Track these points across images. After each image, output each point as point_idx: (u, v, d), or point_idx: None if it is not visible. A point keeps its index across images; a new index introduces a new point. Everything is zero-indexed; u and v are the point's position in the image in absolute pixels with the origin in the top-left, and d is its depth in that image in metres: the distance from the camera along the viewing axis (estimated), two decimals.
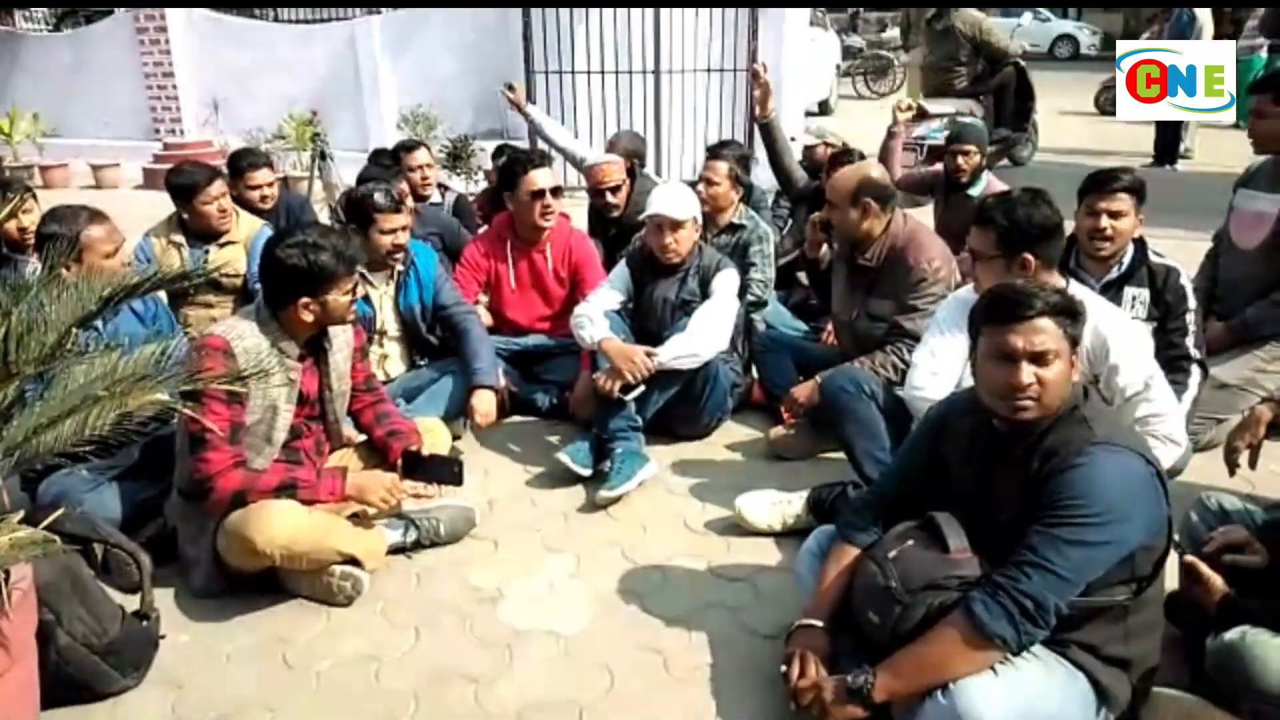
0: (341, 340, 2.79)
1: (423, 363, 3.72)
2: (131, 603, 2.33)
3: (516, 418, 3.83)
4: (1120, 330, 2.46)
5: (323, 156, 7.36)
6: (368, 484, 2.62)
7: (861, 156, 4.32)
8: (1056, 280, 2.49)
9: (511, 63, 8.44)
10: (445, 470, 2.73)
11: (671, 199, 3.41)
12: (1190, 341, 3.00)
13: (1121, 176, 3.00)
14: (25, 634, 1.89)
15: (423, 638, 2.47)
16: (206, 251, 3.99)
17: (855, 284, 3.48)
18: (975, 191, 4.59)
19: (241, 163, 4.52)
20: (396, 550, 2.82)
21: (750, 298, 3.98)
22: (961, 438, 2.10)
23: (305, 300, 2.53)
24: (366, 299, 3.53)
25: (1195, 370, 2.97)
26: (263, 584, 2.63)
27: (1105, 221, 2.99)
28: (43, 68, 11.30)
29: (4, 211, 3.05)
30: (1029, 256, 2.48)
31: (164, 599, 2.60)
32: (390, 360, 3.65)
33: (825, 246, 4.03)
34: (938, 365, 2.72)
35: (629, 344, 3.27)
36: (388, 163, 4.62)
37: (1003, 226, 2.49)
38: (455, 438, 3.57)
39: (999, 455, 1.99)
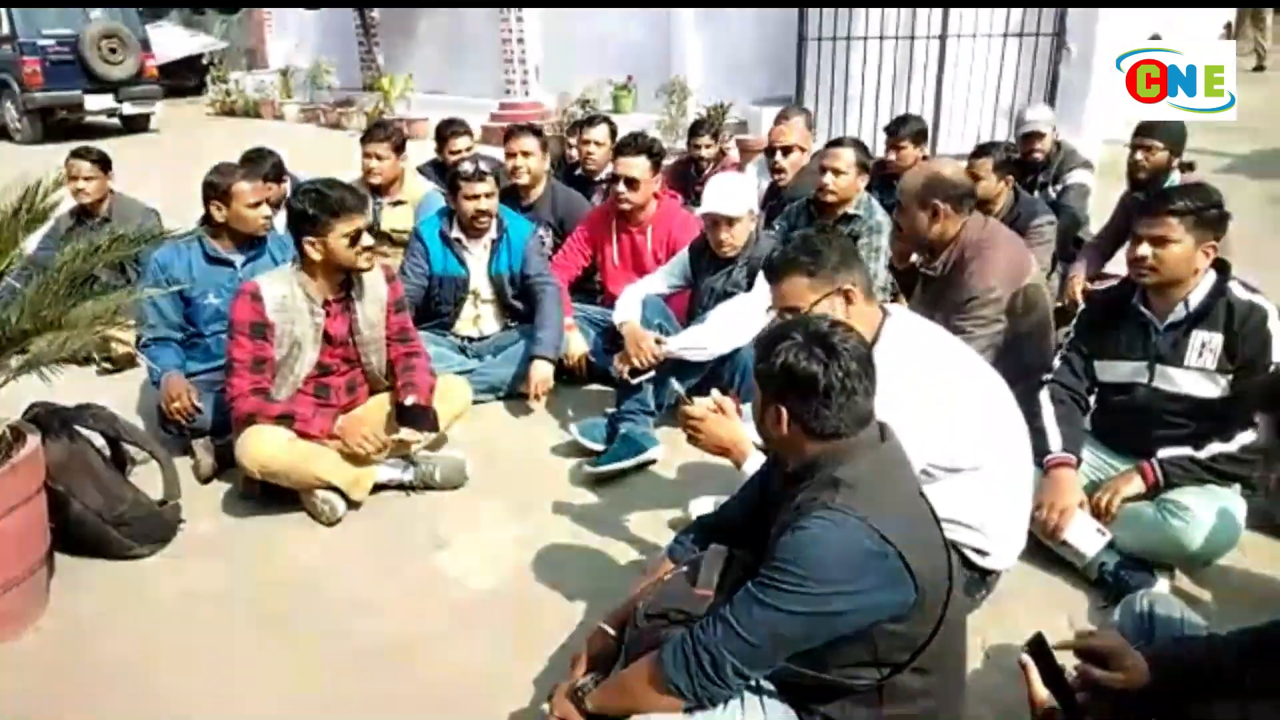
0: (375, 293, 3.18)
1: (513, 324, 4.03)
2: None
3: (595, 386, 4.01)
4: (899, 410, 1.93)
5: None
6: (351, 427, 3.00)
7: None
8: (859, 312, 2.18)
9: (785, 29, 8.33)
10: (422, 418, 3.05)
11: (725, 195, 3.35)
12: None
13: (1175, 198, 2.42)
14: (33, 484, 2.53)
15: (363, 562, 2.84)
16: (380, 206, 4.64)
17: (924, 295, 3.18)
18: None
19: (445, 130, 5.14)
20: (398, 486, 3.20)
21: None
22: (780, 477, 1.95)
23: (310, 239, 2.94)
24: (462, 262, 3.91)
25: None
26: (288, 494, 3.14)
27: (1145, 249, 2.44)
28: (427, 35, 13.19)
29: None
30: None
31: (217, 492, 3.24)
32: (484, 320, 4.02)
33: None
34: None
35: (645, 330, 3.30)
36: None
37: None
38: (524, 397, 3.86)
39: (777, 500, 1.84)
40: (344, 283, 3.08)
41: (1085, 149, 7.85)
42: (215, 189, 3.53)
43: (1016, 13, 7.84)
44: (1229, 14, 12.23)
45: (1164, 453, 2.46)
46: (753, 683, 1.76)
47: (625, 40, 10.79)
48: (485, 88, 12.34)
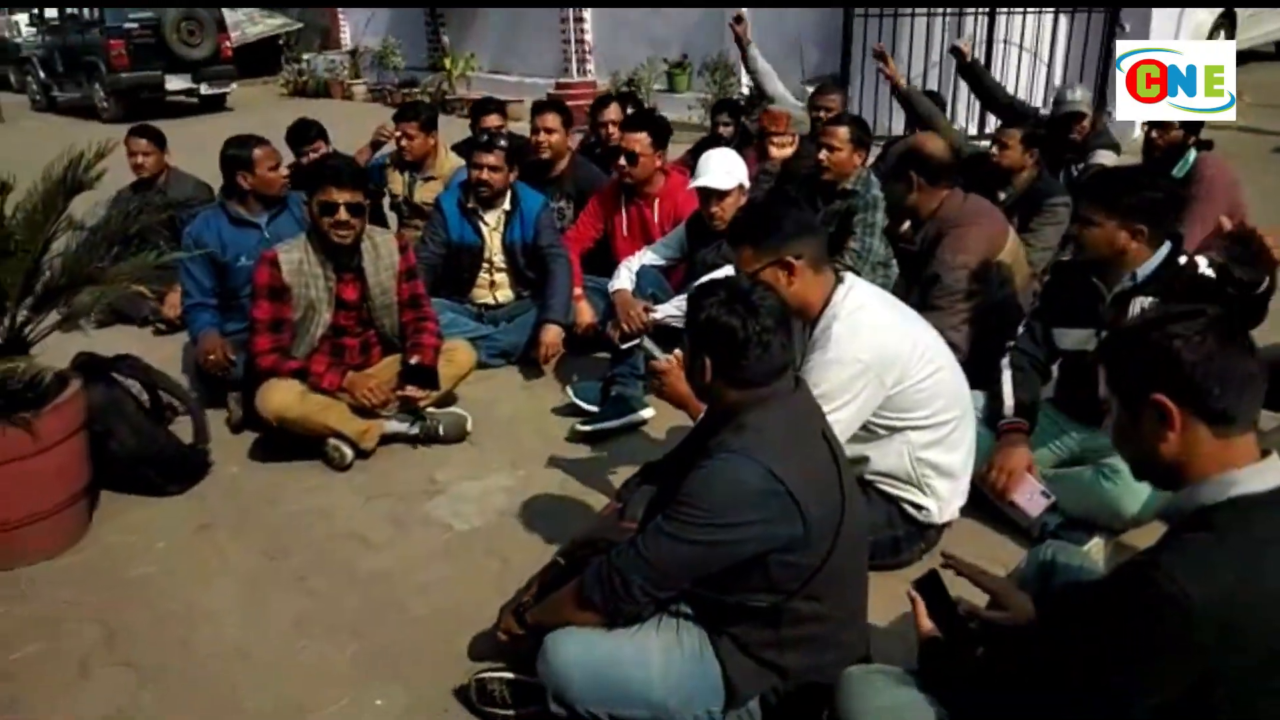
0: (387, 261, 3.43)
1: (525, 294, 4.25)
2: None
3: (603, 354, 4.20)
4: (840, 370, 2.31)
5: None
6: (358, 382, 3.28)
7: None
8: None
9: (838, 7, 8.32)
10: (423, 377, 3.31)
11: (716, 170, 3.50)
12: None
13: (1103, 185, 2.57)
14: (76, 421, 2.86)
15: (365, 503, 3.12)
16: (415, 180, 4.91)
17: (904, 272, 3.30)
18: (1176, 173, 3.90)
19: (479, 109, 5.37)
20: (405, 438, 3.47)
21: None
22: None
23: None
24: (477, 231, 4.14)
25: None
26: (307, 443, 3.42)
27: (1073, 228, 2.57)
28: (491, 15, 13.43)
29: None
30: None
31: (246, 440, 3.55)
32: (499, 287, 4.25)
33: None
34: None
35: (636, 298, 3.48)
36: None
37: None
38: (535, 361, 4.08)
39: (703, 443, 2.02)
40: (348, 250, 3.29)
41: (1137, 126, 7.75)
42: (240, 160, 3.83)
43: None
44: None
45: None
46: (670, 608, 1.97)
47: (680, 19, 10.88)
48: (544, 67, 12.56)
